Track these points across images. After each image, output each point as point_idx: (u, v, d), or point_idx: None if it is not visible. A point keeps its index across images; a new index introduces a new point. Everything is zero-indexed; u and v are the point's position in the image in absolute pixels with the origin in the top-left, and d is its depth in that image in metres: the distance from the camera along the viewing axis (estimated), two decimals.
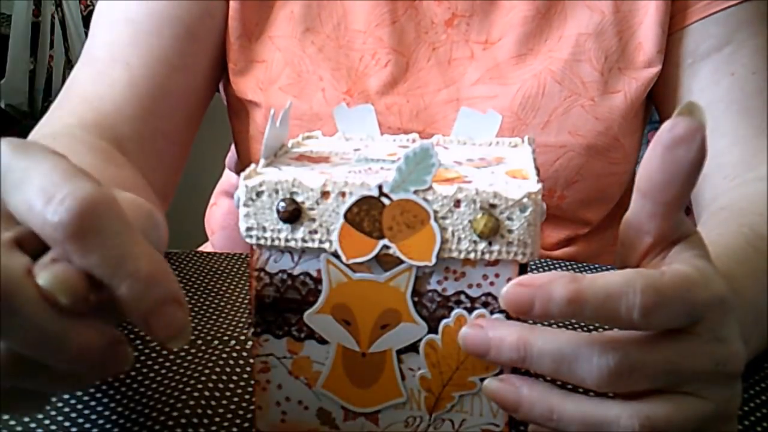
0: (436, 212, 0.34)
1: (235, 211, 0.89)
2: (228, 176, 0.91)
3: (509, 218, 0.34)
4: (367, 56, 0.70)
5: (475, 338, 0.35)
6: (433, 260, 0.35)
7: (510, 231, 0.34)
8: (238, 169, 0.82)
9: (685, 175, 0.33)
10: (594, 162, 0.70)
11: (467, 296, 0.36)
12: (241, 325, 0.53)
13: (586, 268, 0.65)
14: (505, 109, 0.68)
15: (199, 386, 0.45)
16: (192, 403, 0.43)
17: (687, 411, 0.34)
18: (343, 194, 0.35)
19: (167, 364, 0.48)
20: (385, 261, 0.35)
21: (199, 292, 0.58)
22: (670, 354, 0.33)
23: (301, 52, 0.70)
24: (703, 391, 0.34)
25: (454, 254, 0.35)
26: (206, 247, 0.91)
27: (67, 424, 0.42)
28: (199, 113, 0.73)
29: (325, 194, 0.35)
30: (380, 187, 0.35)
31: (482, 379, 0.36)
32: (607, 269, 0.64)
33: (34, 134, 0.61)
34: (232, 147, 0.88)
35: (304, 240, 0.36)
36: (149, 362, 0.48)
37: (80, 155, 0.55)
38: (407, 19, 0.70)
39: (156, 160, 0.67)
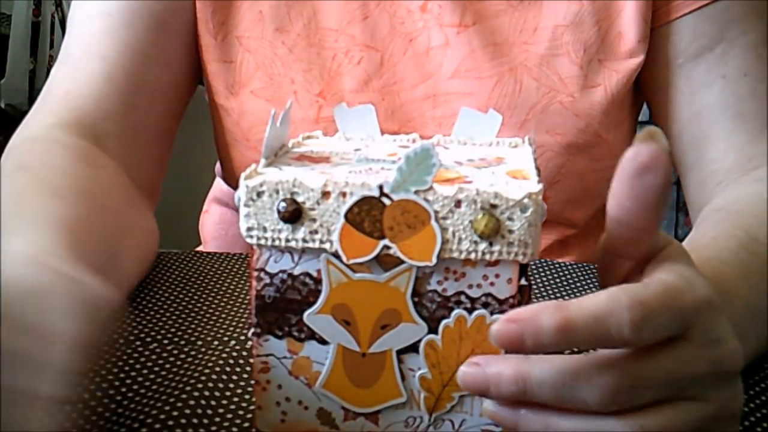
0: (436, 212, 0.34)
1: (227, 220, 0.89)
2: (219, 183, 0.91)
3: (510, 218, 0.34)
4: (340, 54, 0.68)
5: (475, 377, 0.34)
6: (434, 260, 0.35)
7: (511, 231, 0.34)
8: (222, 175, 0.81)
9: (655, 200, 0.33)
10: (575, 160, 0.68)
11: (467, 296, 0.36)
12: (241, 325, 0.53)
13: (586, 268, 0.65)
14: (482, 107, 0.66)
15: (199, 386, 0.45)
16: (192, 403, 0.43)
17: (687, 416, 0.34)
18: (343, 194, 0.35)
19: (167, 364, 0.48)
20: (385, 261, 0.35)
21: (198, 292, 0.58)
22: (668, 363, 0.33)
23: (272, 54, 0.68)
24: (703, 393, 0.34)
25: (455, 254, 0.35)
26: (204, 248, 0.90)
27: (66, 424, 0.42)
28: (178, 107, 0.72)
29: (325, 194, 0.35)
30: (381, 188, 0.35)
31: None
32: None
33: (16, 137, 0.60)
34: None
35: (304, 240, 0.36)
36: (149, 363, 0.48)
37: (58, 159, 0.54)
38: (380, 12, 0.68)
39: (139, 154, 0.66)
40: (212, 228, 0.88)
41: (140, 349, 0.50)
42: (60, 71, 0.67)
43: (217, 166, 0.88)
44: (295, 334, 0.37)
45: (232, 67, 0.69)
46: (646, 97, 0.73)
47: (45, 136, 0.60)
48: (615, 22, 0.68)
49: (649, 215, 0.34)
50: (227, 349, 0.49)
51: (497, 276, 0.35)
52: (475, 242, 0.35)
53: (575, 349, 0.34)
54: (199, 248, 0.90)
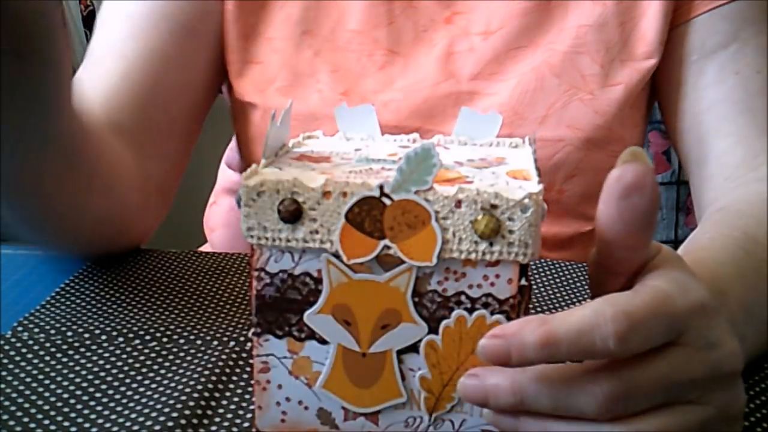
0: (437, 212, 0.34)
1: (237, 209, 0.89)
2: (227, 175, 0.91)
3: (510, 219, 0.34)
4: (364, 57, 0.70)
5: (474, 389, 0.35)
6: (434, 260, 0.35)
7: (511, 231, 0.34)
8: (241, 169, 0.82)
9: (645, 218, 0.33)
10: (593, 155, 0.69)
11: (467, 297, 0.36)
12: (241, 325, 0.53)
13: (586, 268, 0.65)
14: (504, 104, 0.68)
15: (199, 386, 0.45)
16: (192, 403, 0.43)
17: (686, 419, 0.34)
18: (344, 194, 0.35)
19: (167, 363, 0.48)
20: (385, 261, 0.35)
21: (198, 292, 0.58)
22: (662, 369, 0.33)
23: (298, 55, 0.70)
24: (702, 397, 0.34)
25: (455, 255, 0.35)
26: (206, 248, 0.90)
27: (66, 423, 0.42)
28: (199, 110, 0.73)
29: (326, 194, 0.35)
30: (381, 188, 0.35)
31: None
32: None
33: None
34: (230, 145, 0.88)
35: (304, 240, 0.36)
36: (149, 362, 0.48)
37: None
38: (405, 18, 0.70)
39: (153, 150, 0.67)
40: (222, 216, 0.89)
41: (140, 347, 0.50)
42: (83, 73, 0.68)
43: (226, 157, 0.89)
44: (296, 334, 0.37)
45: (260, 67, 0.70)
46: (657, 94, 0.74)
47: None
48: (639, 23, 0.69)
49: (639, 234, 0.34)
50: (227, 349, 0.49)
51: (497, 276, 0.35)
52: (476, 242, 0.34)
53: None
54: (205, 246, 0.91)
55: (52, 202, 0.54)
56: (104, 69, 0.66)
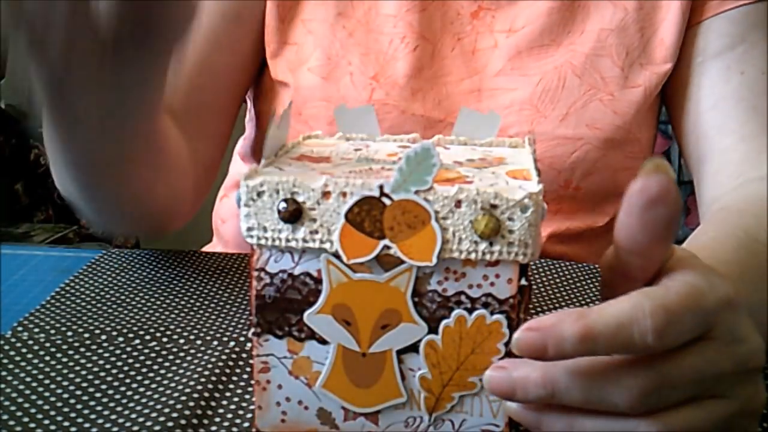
0: (437, 212, 0.34)
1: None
2: (239, 168, 0.91)
3: (510, 218, 0.34)
4: (396, 40, 0.71)
5: (500, 381, 0.34)
6: (434, 260, 0.35)
7: (511, 231, 0.34)
8: (258, 155, 0.83)
9: (667, 230, 0.33)
10: (611, 155, 0.70)
11: (467, 297, 0.35)
12: (241, 325, 0.53)
13: (586, 268, 0.65)
14: (525, 101, 0.69)
15: (199, 386, 0.45)
16: (192, 403, 0.43)
17: (712, 413, 0.34)
18: (344, 194, 0.35)
19: (167, 363, 0.48)
20: (385, 261, 0.35)
21: (198, 292, 0.58)
22: (695, 363, 0.33)
23: (332, 36, 0.71)
24: (728, 391, 0.34)
25: (455, 254, 0.35)
26: (210, 247, 0.90)
27: (66, 423, 0.42)
28: (242, 90, 0.76)
29: (326, 194, 0.35)
30: (381, 188, 0.35)
31: (482, 380, 0.36)
32: None
33: None
34: (240, 140, 0.88)
35: (304, 240, 0.36)
36: (149, 362, 0.48)
37: None
38: (435, 8, 0.72)
39: (200, 130, 0.70)
40: (233, 208, 0.88)
41: (140, 347, 0.50)
42: None
43: (240, 149, 0.89)
44: (295, 334, 0.37)
45: (295, 48, 0.72)
46: (664, 94, 0.75)
47: None
48: (658, 29, 0.71)
49: (661, 244, 0.34)
50: (227, 350, 0.49)
51: (497, 276, 0.35)
52: (475, 242, 0.34)
53: None
54: (209, 243, 0.91)
55: (128, 184, 0.57)
56: None
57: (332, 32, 0.71)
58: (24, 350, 0.49)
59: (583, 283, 0.62)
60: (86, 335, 0.51)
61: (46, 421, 0.42)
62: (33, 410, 0.43)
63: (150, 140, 0.55)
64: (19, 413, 0.42)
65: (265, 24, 0.72)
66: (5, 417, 0.42)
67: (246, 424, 0.42)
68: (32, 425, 0.41)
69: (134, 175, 0.56)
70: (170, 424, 0.41)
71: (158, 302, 0.56)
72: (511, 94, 0.70)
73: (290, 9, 0.72)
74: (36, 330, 0.51)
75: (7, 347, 0.49)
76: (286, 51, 0.72)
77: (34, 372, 0.47)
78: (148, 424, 0.41)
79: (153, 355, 0.49)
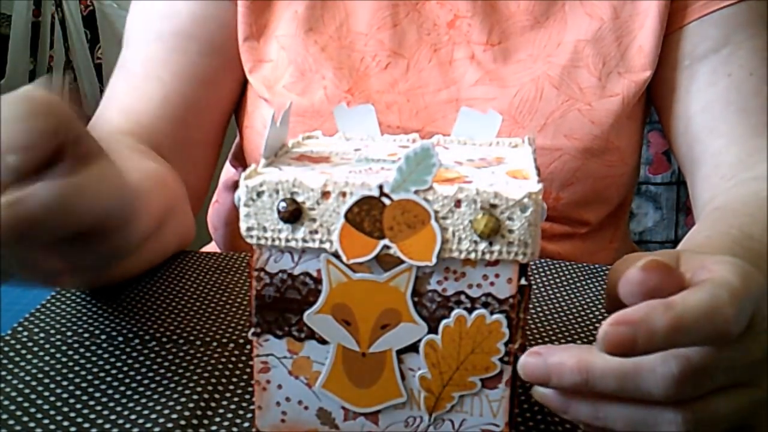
0: (436, 212, 0.34)
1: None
2: (229, 172, 0.91)
3: (510, 218, 0.34)
4: (368, 58, 0.71)
5: (535, 367, 0.34)
6: (434, 260, 0.35)
7: (511, 231, 0.34)
8: (244, 164, 0.84)
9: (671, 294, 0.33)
10: (590, 164, 0.70)
11: (467, 296, 0.36)
12: (240, 325, 0.53)
13: (586, 268, 0.65)
14: (503, 111, 0.69)
15: (199, 387, 0.45)
16: (192, 403, 0.43)
17: (739, 401, 0.34)
18: (343, 194, 0.35)
19: (167, 363, 0.48)
20: (385, 261, 0.35)
21: (198, 292, 0.58)
22: (729, 351, 0.33)
23: (305, 51, 0.71)
24: (755, 379, 0.34)
25: (455, 254, 0.35)
26: (210, 248, 0.90)
27: (66, 423, 0.42)
28: (224, 119, 0.77)
29: (325, 194, 0.35)
30: (381, 187, 0.35)
31: (482, 380, 0.36)
32: (604, 269, 0.64)
33: None
34: (236, 141, 0.88)
35: (304, 240, 0.36)
36: (148, 362, 0.48)
37: (121, 152, 0.56)
38: (409, 21, 0.71)
39: (189, 164, 0.72)
40: (224, 215, 0.89)
41: (139, 348, 0.50)
42: (119, 86, 0.74)
43: (233, 154, 0.89)
44: (295, 334, 0.37)
45: (270, 65, 0.73)
46: (653, 100, 0.75)
47: (106, 137, 0.63)
48: (636, 37, 0.71)
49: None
50: (227, 350, 0.49)
51: (497, 276, 0.35)
52: (475, 242, 0.35)
53: None
54: (209, 243, 0.91)
55: (129, 267, 0.58)
56: (143, 92, 0.72)
57: (304, 47, 0.71)
58: (24, 350, 0.49)
59: (583, 283, 0.62)
60: (86, 335, 0.51)
61: (46, 421, 0.42)
62: (33, 410, 0.43)
63: (139, 250, 0.52)
64: (19, 413, 0.42)
65: (240, 43, 0.73)
66: (5, 417, 0.42)
67: (246, 424, 0.42)
68: (32, 425, 0.41)
69: (129, 262, 0.55)
70: (170, 424, 0.41)
71: (158, 302, 0.56)
72: (489, 104, 0.69)
73: (264, 26, 0.73)
74: (36, 330, 0.51)
75: (6, 347, 0.49)
76: (262, 68, 0.73)
77: (34, 372, 0.47)
78: (148, 424, 0.41)
79: (153, 355, 0.49)
